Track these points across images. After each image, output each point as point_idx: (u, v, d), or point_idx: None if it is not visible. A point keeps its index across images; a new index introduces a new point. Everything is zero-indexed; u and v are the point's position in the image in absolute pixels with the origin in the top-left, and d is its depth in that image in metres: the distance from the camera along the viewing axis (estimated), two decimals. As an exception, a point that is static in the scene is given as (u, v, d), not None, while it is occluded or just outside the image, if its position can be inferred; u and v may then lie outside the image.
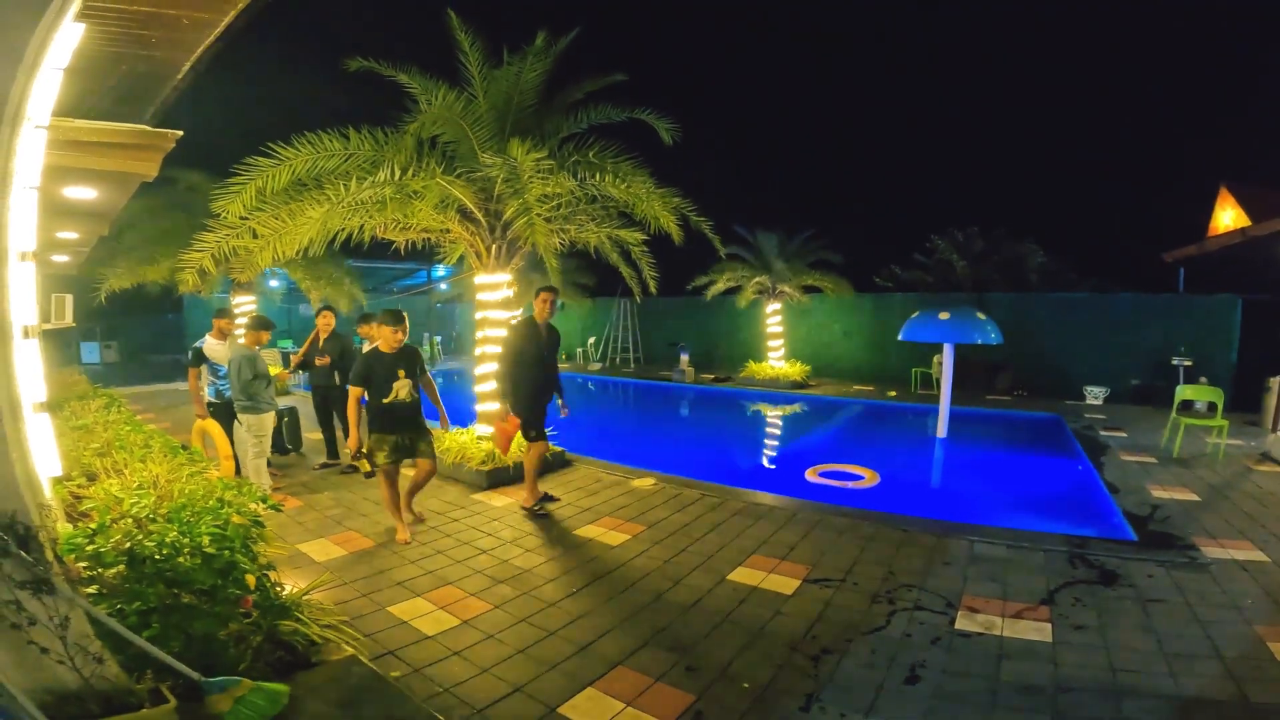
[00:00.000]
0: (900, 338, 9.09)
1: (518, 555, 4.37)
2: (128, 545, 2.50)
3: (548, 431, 5.52)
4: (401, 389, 4.67)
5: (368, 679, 2.76)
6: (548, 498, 5.43)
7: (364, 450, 4.74)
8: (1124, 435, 8.58)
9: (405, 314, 4.87)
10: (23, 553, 2.06)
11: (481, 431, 6.69)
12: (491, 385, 6.89)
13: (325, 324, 6.85)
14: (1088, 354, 12.37)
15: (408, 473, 4.99)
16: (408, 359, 4.78)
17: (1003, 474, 7.84)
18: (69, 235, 7.38)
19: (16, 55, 2.13)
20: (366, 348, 6.83)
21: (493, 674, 2.94)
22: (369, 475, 4.82)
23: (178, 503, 3.04)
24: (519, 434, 5.40)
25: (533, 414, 5.32)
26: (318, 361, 6.78)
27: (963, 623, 3.41)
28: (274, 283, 18.36)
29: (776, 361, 14.45)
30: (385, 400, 4.63)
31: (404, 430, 4.73)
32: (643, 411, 13.35)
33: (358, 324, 7.10)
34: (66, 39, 2.37)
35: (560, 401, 5.55)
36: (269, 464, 5.88)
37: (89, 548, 2.45)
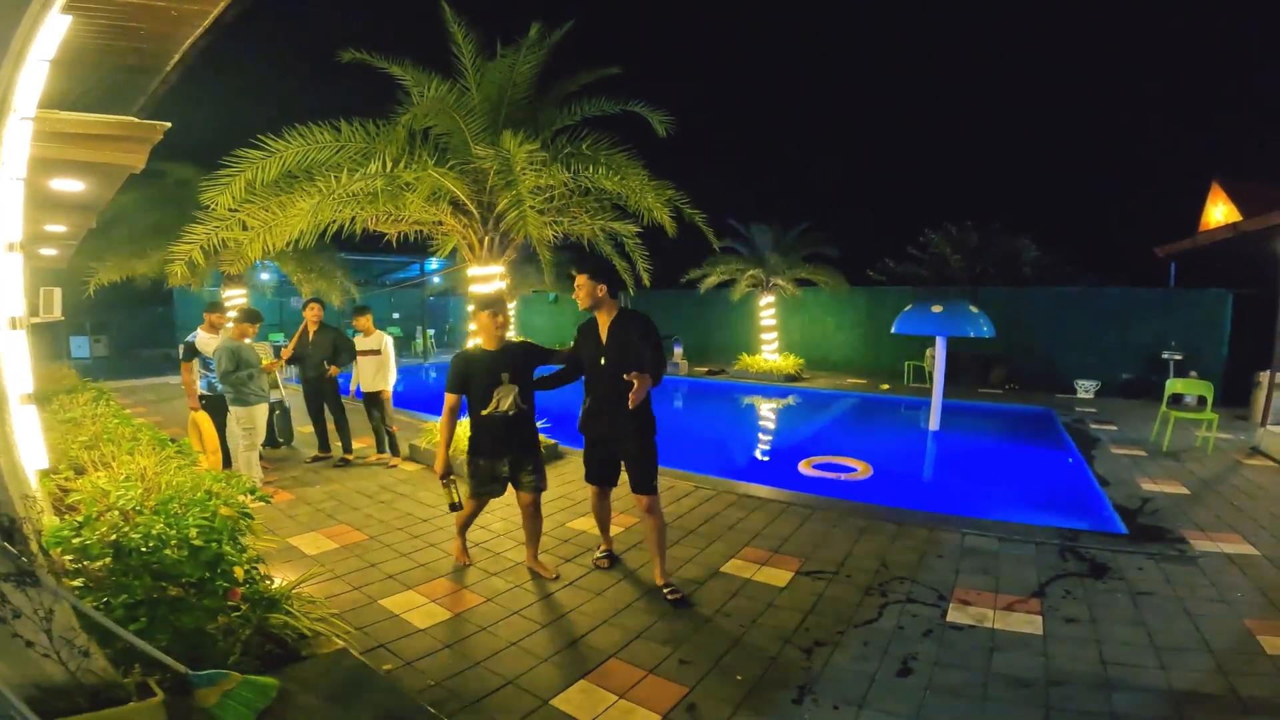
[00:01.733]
0: (893, 330, 9.12)
1: (510, 549, 4.35)
2: (114, 537, 2.48)
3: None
4: (504, 398, 3.68)
5: (358, 672, 2.75)
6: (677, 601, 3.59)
7: (454, 476, 3.84)
8: (1114, 429, 8.63)
9: (504, 297, 3.83)
10: (7, 545, 2.05)
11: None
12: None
13: (314, 316, 6.81)
14: (1079, 348, 12.45)
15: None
16: (513, 358, 3.74)
17: (994, 467, 7.88)
18: (57, 228, 7.30)
19: (2, 46, 2.10)
20: (359, 340, 6.82)
21: (485, 667, 2.93)
22: (455, 507, 3.85)
23: (165, 495, 3.01)
24: None
25: (586, 450, 3.94)
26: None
27: (954, 615, 3.42)
28: (265, 276, 18.24)
29: (770, 354, 14.46)
30: (484, 412, 3.69)
31: (506, 452, 3.77)
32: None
33: (352, 316, 7.07)
34: (53, 31, 2.35)
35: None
36: (261, 457, 5.86)
37: (75, 540, 2.42)
